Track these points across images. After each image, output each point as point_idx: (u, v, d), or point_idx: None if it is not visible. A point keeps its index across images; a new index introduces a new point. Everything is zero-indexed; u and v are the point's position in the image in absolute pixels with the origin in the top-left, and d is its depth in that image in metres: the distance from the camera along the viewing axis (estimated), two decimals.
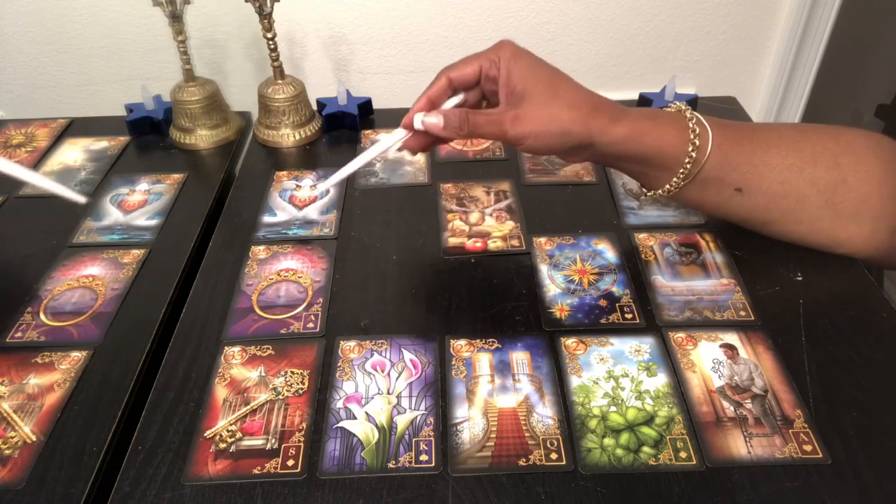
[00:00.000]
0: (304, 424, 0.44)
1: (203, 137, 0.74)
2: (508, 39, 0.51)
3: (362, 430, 0.43)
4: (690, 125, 0.50)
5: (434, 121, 0.49)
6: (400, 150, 0.56)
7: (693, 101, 0.76)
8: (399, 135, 0.52)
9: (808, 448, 0.41)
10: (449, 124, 0.49)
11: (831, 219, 0.51)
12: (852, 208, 0.50)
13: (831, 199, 0.50)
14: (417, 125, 0.50)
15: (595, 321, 0.50)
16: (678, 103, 0.53)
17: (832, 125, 0.53)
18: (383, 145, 0.53)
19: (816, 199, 0.51)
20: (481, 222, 0.61)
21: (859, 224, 0.51)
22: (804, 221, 0.52)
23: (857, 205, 0.50)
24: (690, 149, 0.50)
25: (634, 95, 0.79)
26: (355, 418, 0.44)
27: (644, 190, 0.55)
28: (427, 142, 0.52)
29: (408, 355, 0.48)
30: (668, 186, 0.52)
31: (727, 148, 0.50)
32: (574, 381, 0.46)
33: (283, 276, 0.56)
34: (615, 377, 0.46)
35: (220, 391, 0.46)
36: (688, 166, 0.50)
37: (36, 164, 0.71)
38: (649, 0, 0.88)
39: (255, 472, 0.41)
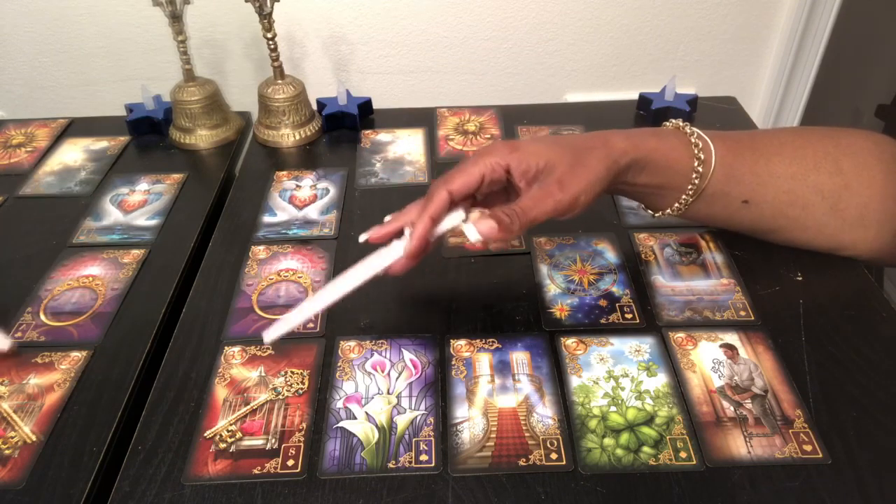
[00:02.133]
0: (304, 424, 0.44)
1: (203, 137, 0.74)
2: (493, 142, 0.50)
3: (362, 430, 0.43)
4: (692, 140, 0.50)
5: (488, 227, 0.45)
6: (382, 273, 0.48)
7: (693, 101, 0.76)
8: (395, 253, 0.47)
9: (808, 448, 0.41)
10: (503, 225, 0.45)
11: (836, 224, 0.51)
12: (856, 213, 0.51)
13: (836, 206, 0.50)
14: (473, 237, 0.45)
15: (595, 321, 0.50)
16: (674, 121, 0.52)
17: (831, 127, 0.53)
18: (372, 268, 0.47)
19: (821, 205, 0.51)
20: None
21: (864, 228, 0.51)
22: (810, 228, 0.52)
23: (860, 210, 0.50)
24: (696, 163, 0.49)
25: (634, 95, 0.79)
26: (355, 418, 0.44)
27: (651, 212, 0.54)
28: (416, 260, 0.48)
29: (408, 355, 0.48)
30: (677, 205, 0.52)
31: (730, 159, 0.50)
32: (574, 381, 0.46)
33: (283, 276, 0.56)
34: (615, 377, 0.46)
35: (220, 391, 0.46)
36: (696, 181, 0.50)
37: (36, 164, 0.71)
38: (649, 0, 0.88)
39: (255, 472, 0.41)
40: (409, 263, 0.47)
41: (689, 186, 0.50)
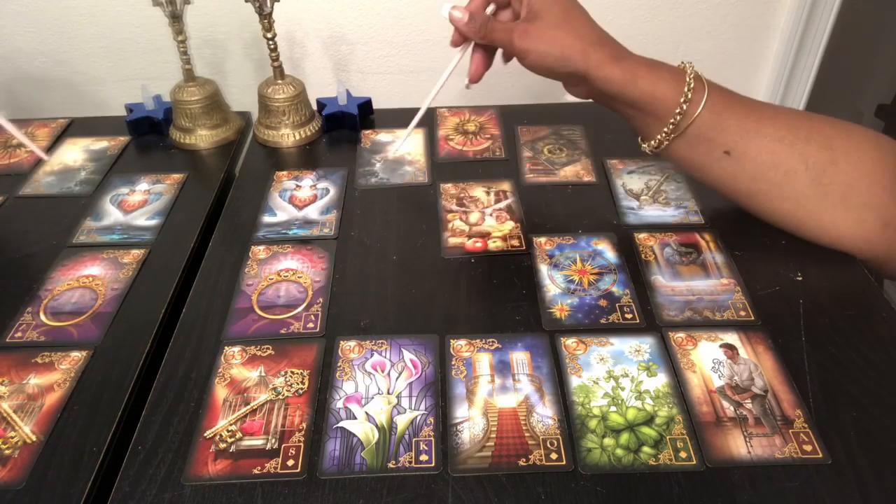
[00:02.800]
0: (304, 424, 0.44)
1: (203, 137, 0.74)
2: None
3: (362, 430, 0.43)
4: (688, 79, 0.51)
5: (460, 15, 0.56)
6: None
7: None
8: (454, 61, 0.60)
9: (808, 448, 0.41)
10: (472, 21, 0.56)
11: (817, 199, 0.51)
12: (839, 191, 0.50)
13: (819, 179, 0.50)
14: (445, 12, 0.56)
15: (595, 321, 0.50)
16: (685, 62, 0.54)
17: (834, 118, 0.53)
18: (446, 73, 0.60)
19: (804, 175, 0.51)
20: (481, 222, 0.61)
21: (846, 209, 0.51)
22: (789, 198, 0.52)
23: (844, 188, 0.50)
24: (682, 100, 0.51)
25: None
26: (355, 418, 0.44)
27: (640, 140, 0.57)
28: (482, 68, 0.59)
29: (408, 355, 0.48)
30: (659, 137, 0.53)
31: (721, 108, 0.51)
32: (574, 381, 0.46)
33: (283, 276, 0.56)
34: (615, 377, 0.46)
35: (220, 391, 0.46)
36: (678, 118, 0.51)
37: (36, 164, 0.71)
38: (649, 0, 0.88)
39: (255, 472, 0.41)
40: (476, 65, 0.59)
41: (671, 121, 0.52)
